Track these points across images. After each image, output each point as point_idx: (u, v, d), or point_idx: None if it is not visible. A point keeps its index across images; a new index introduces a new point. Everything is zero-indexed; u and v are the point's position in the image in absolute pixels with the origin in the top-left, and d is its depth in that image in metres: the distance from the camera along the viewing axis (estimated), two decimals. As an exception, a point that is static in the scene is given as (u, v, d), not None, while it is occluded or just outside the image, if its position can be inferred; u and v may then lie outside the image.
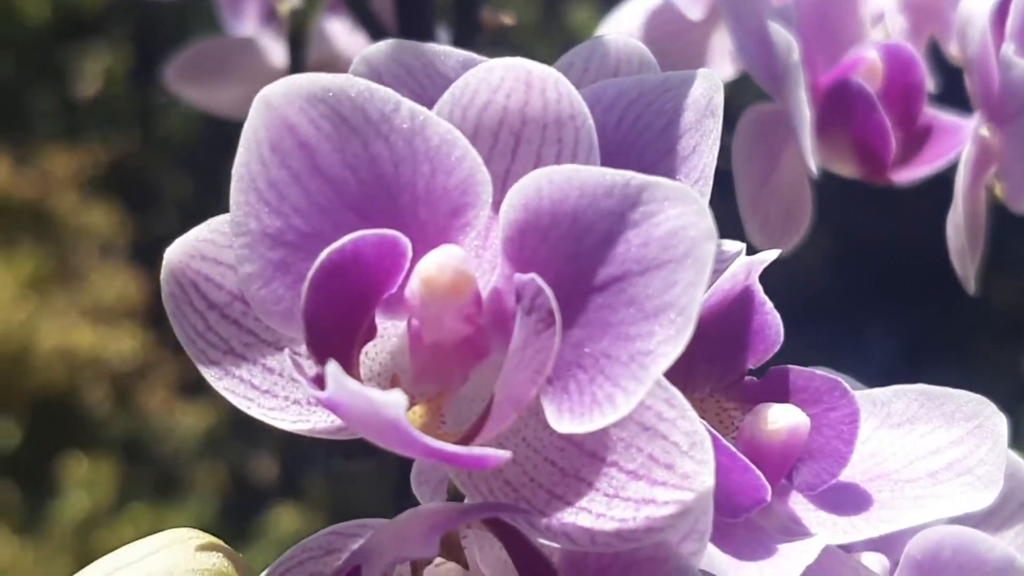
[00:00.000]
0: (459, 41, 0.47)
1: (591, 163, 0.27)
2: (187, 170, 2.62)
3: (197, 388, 1.89)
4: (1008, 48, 0.41)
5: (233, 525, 2.08)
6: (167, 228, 2.31)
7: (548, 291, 0.25)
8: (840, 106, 0.42)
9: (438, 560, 0.27)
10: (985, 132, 0.43)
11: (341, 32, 0.55)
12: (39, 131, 2.52)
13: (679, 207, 0.25)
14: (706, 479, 0.25)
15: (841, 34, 0.44)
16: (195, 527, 0.29)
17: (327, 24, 0.54)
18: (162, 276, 0.27)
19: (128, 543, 0.28)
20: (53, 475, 2.02)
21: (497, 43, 0.50)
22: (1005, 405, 0.31)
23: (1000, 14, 0.42)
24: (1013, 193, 0.42)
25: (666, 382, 0.26)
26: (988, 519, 0.34)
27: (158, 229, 2.36)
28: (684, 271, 0.25)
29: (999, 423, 0.30)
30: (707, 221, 0.25)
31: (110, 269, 2.33)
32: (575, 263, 0.26)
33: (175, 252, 0.28)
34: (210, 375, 0.27)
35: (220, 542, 0.29)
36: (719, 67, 0.46)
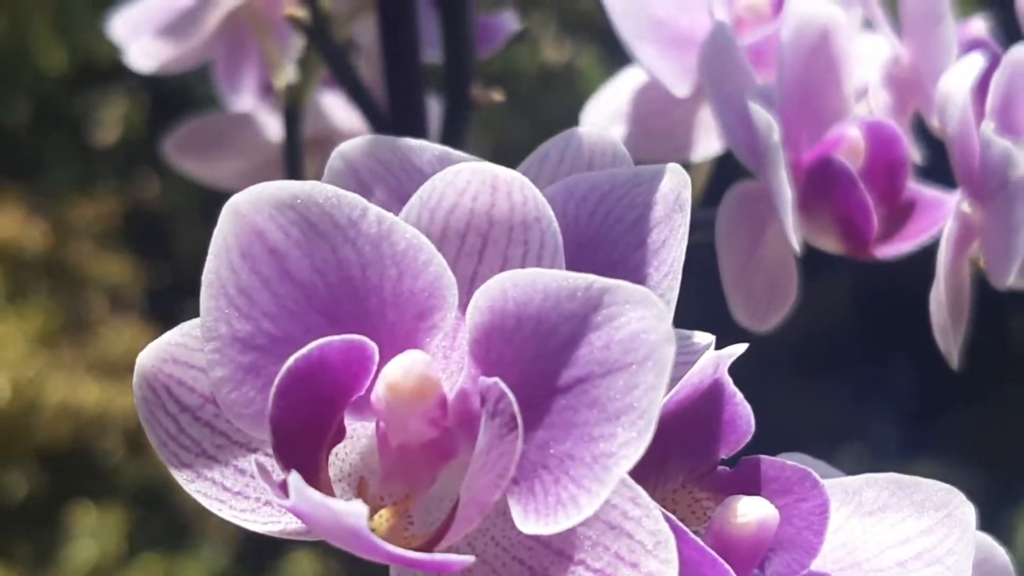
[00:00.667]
0: (449, 116, 0.48)
1: (556, 265, 0.28)
2: (203, 220, 2.64)
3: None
4: (988, 126, 0.41)
5: (249, 572, 2.09)
6: (181, 278, 2.32)
7: (511, 396, 0.26)
8: (822, 184, 0.42)
9: None
10: (967, 208, 0.43)
11: (336, 107, 0.55)
12: (55, 179, 2.54)
13: (640, 310, 0.26)
14: (670, 572, 0.26)
15: (824, 111, 0.44)
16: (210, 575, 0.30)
17: (322, 99, 0.55)
18: (135, 382, 0.28)
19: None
20: (62, 524, 2.04)
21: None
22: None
23: (980, 91, 0.43)
24: (995, 268, 0.43)
25: (631, 481, 0.26)
26: None
27: (172, 279, 2.37)
28: (645, 374, 0.25)
29: (968, 512, 0.31)
30: (666, 324, 0.25)
31: (120, 322, 2.35)
32: (539, 364, 0.27)
33: (147, 357, 0.28)
34: (182, 478, 0.28)
35: None
36: (705, 143, 0.46)
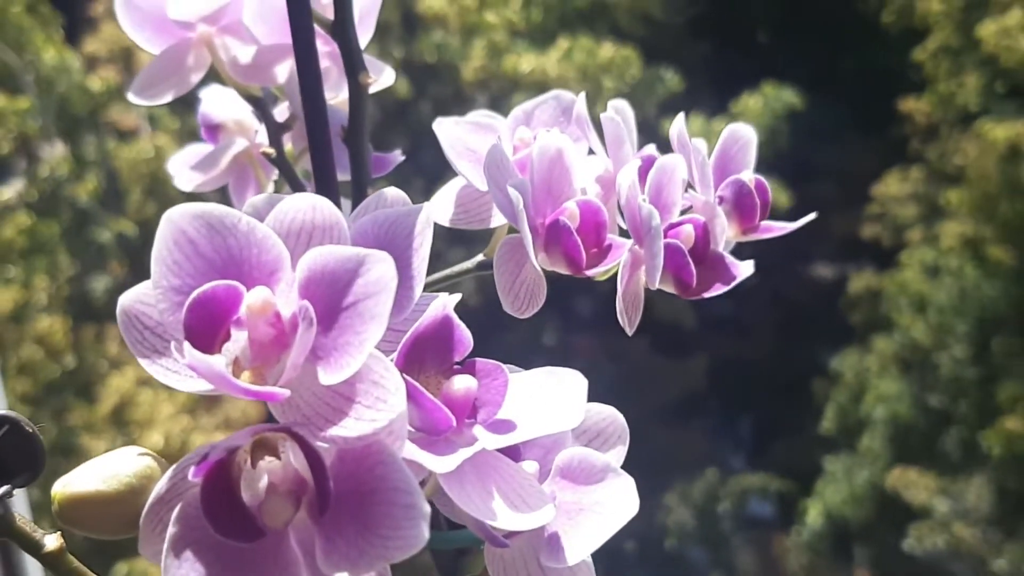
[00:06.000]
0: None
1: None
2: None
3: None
4: (643, 198, 0.45)
5: None
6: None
7: (311, 308, 0.30)
8: (553, 235, 0.45)
9: (269, 458, 0.30)
10: (634, 247, 0.46)
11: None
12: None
13: (382, 266, 0.30)
14: (401, 405, 0.30)
15: (559, 196, 0.46)
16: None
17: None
18: (118, 310, 0.31)
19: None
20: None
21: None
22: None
23: (642, 180, 0.47)
24: (650, 278, 0.45)
25: (382, 356, 0.30)
26: (597, 444, 0.38)
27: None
28: (382, 297, 0.29)
29: (581, 384, 0.34)
30: (392, 272, 0.30)
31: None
32: (332, 295, 0.30)
33: (126, 298, 0.31)
34: (145, 363, 0.31)
35: (151, 452, 0.33)
36: (498, 217, 0.48)
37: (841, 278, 6.50)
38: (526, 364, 0.38)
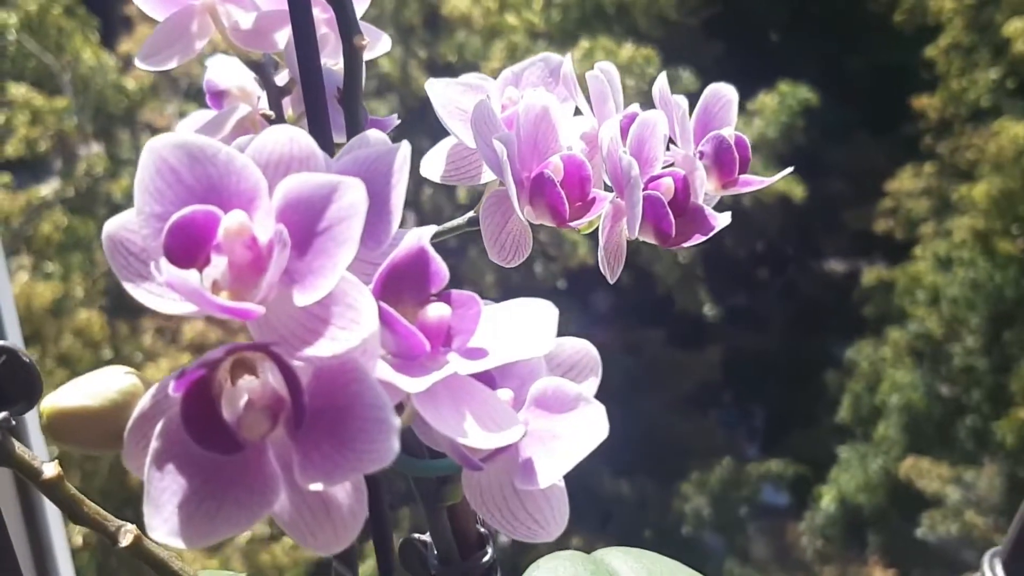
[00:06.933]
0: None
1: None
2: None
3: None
4: (623, 150, 0.46)
5: None
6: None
7: (286, 231, 0.30)
8: (539, 187, 0.45)
9: (248, 376, 0.31)
10: (616, 199, 0.47)
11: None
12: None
13: (355, 192, 0.30)
14: (373, 325, 0.30)
15: (545, 151, 0.46)
16: None
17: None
18: (103, 236, 0.32)
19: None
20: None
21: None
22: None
23: (624, 135, 0.47)
24: (630, 228, 0.46)
25: (358, 282, 0.31)
26: (571, 376, 0.38)
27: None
28: (353, 222, 0.30)
29: (551, 313, 0.34)
30: (363, 197, 0.30)
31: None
32: (307, 220, 0.31)
33: (111, 225, 0.32)
34: (129, 287, 0.31)
35: (136, 371, 0.33)
36: (487, 173, 0.48)
37: (854, 272, 6.47)
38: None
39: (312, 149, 0.32)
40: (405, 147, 0.35)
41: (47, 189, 5.06)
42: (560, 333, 0.35)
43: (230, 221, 0.30)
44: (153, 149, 0.31)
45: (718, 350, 6.21)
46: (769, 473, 5.65)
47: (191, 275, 0.29)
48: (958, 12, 5.86)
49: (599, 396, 0.36)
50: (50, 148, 4.98)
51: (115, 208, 4.99)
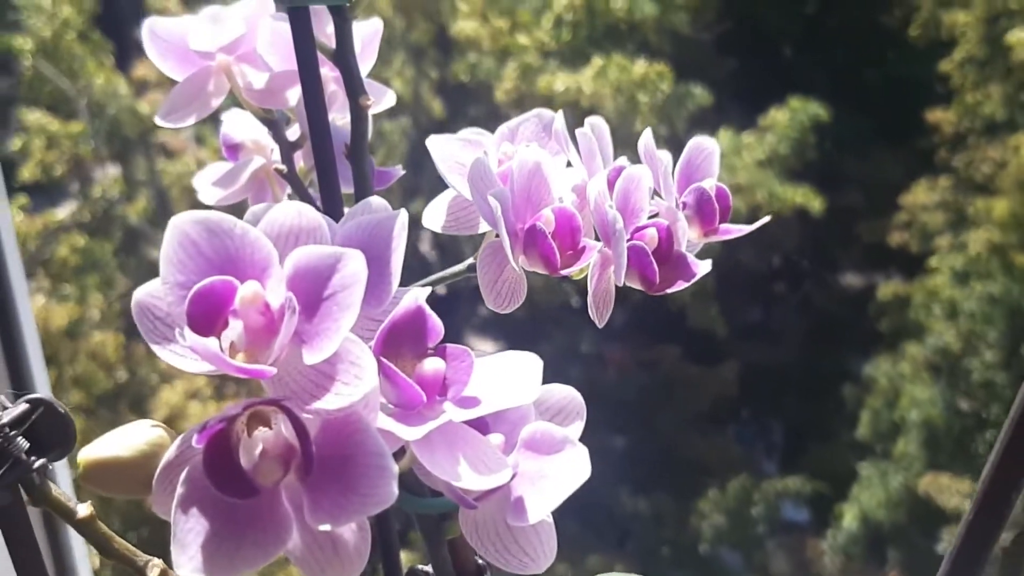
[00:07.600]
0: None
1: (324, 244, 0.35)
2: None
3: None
4: (610, 204, 0.48)
5: None
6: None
7: (295, 298, 0.33)
8: (531, 238, 0.48)
9: (262, 428, 0.34)
10: (603, 248, 0.50)
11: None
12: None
13: (355, 263, 0.33)
14: (373, 381, 0.33)
15: (537, 204, 0.49)
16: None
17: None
18: (133, 303, 0.35)
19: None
20: None
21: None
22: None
23: (611, 185, 0.50)
24: (617, 274, 0.49)
25: (360, 341, 0.34)
26: (558, 420, 0.41)
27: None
28: (355, 289, 0.33)
29: (536, 364, 0.38)
30: (363, 267, 0.33)
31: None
32: (314, 287, 0.34)
33: (139, 293, 0.35)
34: (156, 349, 0.34)
35: (162, 424, 0.37)
36: (482, 221, 0.51)
37: (870, 286, 6.46)
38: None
39: (318, 221, 0.36)
40: (403, 215, 0.39)
41: (63, 212, 5.12)
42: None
43: (245, 291, 0.34)
44: (176, 225, 0.34)
45: (734, 365, 6.22)
46: (787, 490, 5.65)
47: (211, 342, 0.32)
48: (972, 26, 5.88)
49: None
50: (66, 172, 5.05)
51: (131, 230, 5.05)
